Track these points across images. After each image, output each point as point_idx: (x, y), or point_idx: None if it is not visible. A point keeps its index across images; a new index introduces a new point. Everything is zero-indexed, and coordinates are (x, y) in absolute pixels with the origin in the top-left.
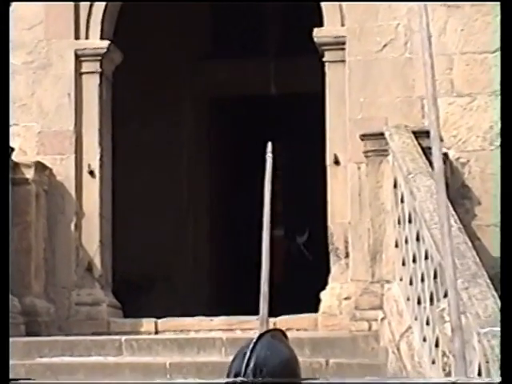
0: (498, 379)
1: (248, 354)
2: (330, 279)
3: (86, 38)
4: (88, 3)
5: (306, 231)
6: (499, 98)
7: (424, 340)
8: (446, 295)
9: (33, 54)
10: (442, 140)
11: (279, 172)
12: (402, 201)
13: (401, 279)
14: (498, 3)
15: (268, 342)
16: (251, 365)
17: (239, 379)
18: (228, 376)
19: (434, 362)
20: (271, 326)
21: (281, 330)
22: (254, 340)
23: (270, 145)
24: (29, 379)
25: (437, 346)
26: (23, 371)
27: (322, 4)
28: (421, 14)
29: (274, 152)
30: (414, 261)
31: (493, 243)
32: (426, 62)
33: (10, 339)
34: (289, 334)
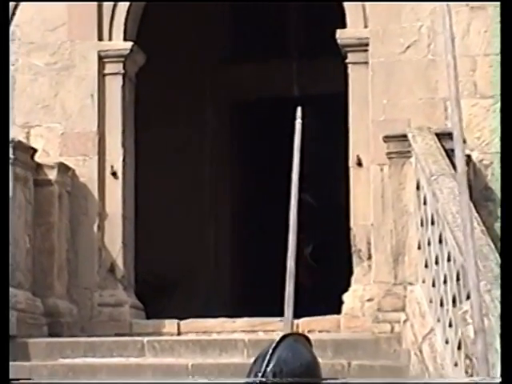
0: (498, 379)
1: (269, 354)
2: (352, 281)
3: (109, 39)
4: (111, 4)
5: (310, 244)
6: None
7: (446, 342)
8: (468, 297)
9: (56, 55)
10: (464, 142)
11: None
12: (425, 203)
13: (423, 281)
14: None
15: (290, 345)
16: (271, 365)
17: (258, 379)
18: (248, 376)
19: (456, 365)
20: (294, 328)
21: (305, 336)
22: (276, 341)
23: (299, 110)
24: (29, 379)
25: (459, 348)
26: (45, 372)
27: (345, 5)
28: (444, 14)
29: (303, 117)
30: (437, 263)
31: None
32: (449, 63)
33: (33, 340)
34: (311, 335)
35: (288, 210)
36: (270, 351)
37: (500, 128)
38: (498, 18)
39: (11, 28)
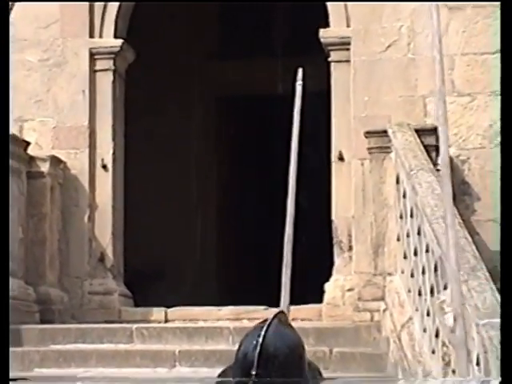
0: (498, 379)
1: (259, 343)
2: (333, 271)
3: (100, 36)
4: (102, 3)
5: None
6: (499, 97)
7: (424, 331)
8: (445, 288)
9: (48, 51)
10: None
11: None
12: (404, 196)
13: (402, 272)
14: (499, 5)
15: (276, 330)
16: (263, 355)
17: (252, 379)
18: (237, 361)
19: (433, 352)
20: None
21: (283, 312)
22: (265, 327)
23: (300, 71)
24: (28, 379)
25: (437, 336)
26: (37, 358)
27: (328, 5)
28: (431, 13)
29: (304, 79)
30: (416, 254)
31: (491, 238)
32: (435, 59)
33: (26, 326)
34: (294, 323)
35: (273, 199)
36: (261, 340)
37: (500, 128)
38: (476, 19)
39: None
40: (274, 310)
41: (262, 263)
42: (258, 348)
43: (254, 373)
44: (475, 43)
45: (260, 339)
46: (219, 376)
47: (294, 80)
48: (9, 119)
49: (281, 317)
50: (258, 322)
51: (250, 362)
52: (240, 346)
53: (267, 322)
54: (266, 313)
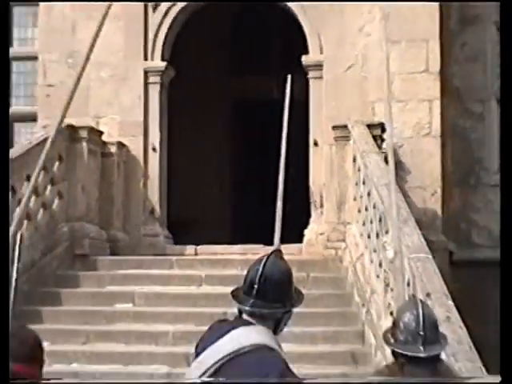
0: (498, 379)
1: (260, 268)
2: (310, 221)
3: (152, 59)
4: (152, 37)
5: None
6: (425, 103)
7: (371, 262)
8: (387, 232)
9: (116, 69)
10: (384, 130)
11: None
12: (359, 170)
13: (357, 222)
14: (426, 39)
15: (273, 261)
16: (263, 276)
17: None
18: (245, 282)
19: (378, 277)
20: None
21: (279, 250)
22: (265, 258)
23: (289, 78)
24: (28, 379)
25: (380, 266)
26: (108, 279)
27: (308, 37)
28: (382, 47)
29: (292, 84)
30: (366, 209)
31: (418, 199)
32: (384, 77)
33: (100, 257)
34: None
35: (268, 173)
36: (261, 266)
37: (500, 130)
38: (409, 49)
39: (72, 48)
40: (271, 248)
41: (262, 215)
42: (260, 270)
43: (256, 286)
44: (407, 66)
45: (261, 266)
46: (232, 292)
47: (286, 83)
48: (8, 120)
49: (277, 253)
50: (261, 255)
51: (254, 280)
52: (248, 271)
53: (266, 256)
54: (264, 249)
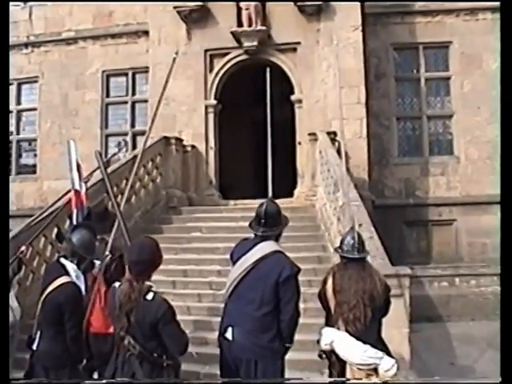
0: (498, 379)
1: (263, 209)
2: (297, 185)
3: (209, 99)
4: (209, 86)
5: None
6: (357, 120)
7: (330, 207)
8: (338, 191)
9: (190, 106)
10: (336, 134)
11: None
12: (322, 158)
13: (323, 185)
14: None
15: (269, 203)
16: (265, 214)
17: (262, 223)
18: (256, 217)
19: (334, 215)
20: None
21: (271, 198)
22: (265, 203)
23: (268, 70)
24: (27, 379)
25: (335, 209)
26: (187, 219)
27: (293, 82)
28: (338, 90)
29: (270, 77)
30: (327, 178)
31: (355, 173)
32: (340, 106)
33: (183, 208)
34: (281, 205)
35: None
36: (264, 207)
37: (500, 132)
38: (350, 90)
39: (168, 96)
40: (270, 198)
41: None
42: (263, 210)
43: (262, 220)
44: (348, 100)
45: (263, 208)
46: (249, 225)
47: (281, 113)
48: (8, 121)
49: (270, 199)
50: (262, 201)
51: (261, 215)
52: (256, 211)
53: (265, 201)
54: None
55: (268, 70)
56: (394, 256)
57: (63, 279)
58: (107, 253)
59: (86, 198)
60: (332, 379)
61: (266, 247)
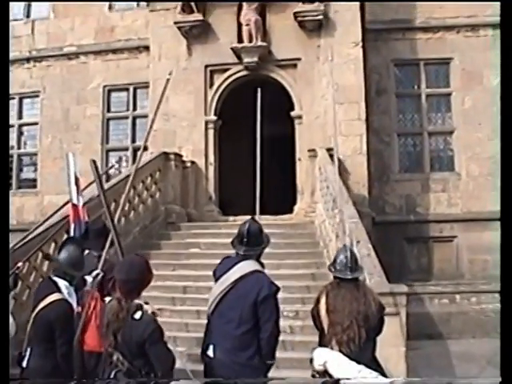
0: (498, 379)
1: (246, 228)
2: (297, 202)
3: (209, 115)
4: (209, 102)
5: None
6: (359, 137)
7: (329, 224)
8: (337, 208)
9: (190, 121)
10: (337, 151)
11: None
12: (321, 174)
13: (322, 202)
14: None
15: (251, 223)
16: (248, 233)
17: (244, 243)
18: (238, 235)
19: (332, 232)
20: (271, 219)
21: (253, 217)
22: (247, 222)
23: (259, 90)
24: (28, 379)
25: (333, 226)
26: (186, 235)
27: (293, 98)
28: (334, 107)
29: (262, 97)
30: (326, 195)
31: (356, 191)
32: (334, 122)
33: (181, 223)
34: (281, 221)
35: (269, 178)
36: (246, 226)
37: (500, 133)
38: (349, 107)
39: (168, 111)
40: (266, 217)
41: (267, 199)
42: (246, 229)
43: (245, 239)
44: (348, 116)
45: (246, 227)
46: (231, 243)
47: (281, 130)
48: (8, 122)
49: (253, 219)
50: (245, 220)
51: (243, 235)
52: (239, 229)
53: (247, 221)
54: (264, 217)
55: (259, 90)
56: (394, 273)
57: (54, 296)
58: (99, 270)
59: (85, 212)
60: (323, 379)
61: (245, 266)
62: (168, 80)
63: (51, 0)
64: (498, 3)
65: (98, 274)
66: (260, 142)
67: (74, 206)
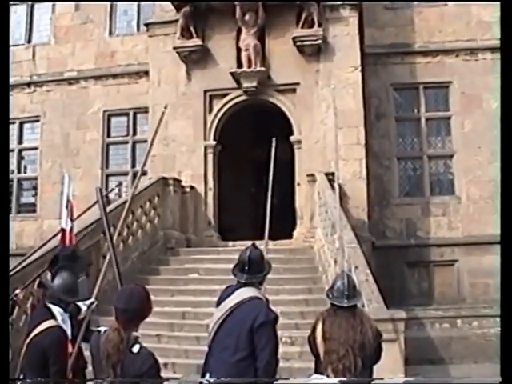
0: (498, 379)
1: (247, 255)
2: (296, 227)
3: (208, 140)
4: (208, 127)
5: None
6: (358, 161)
7: (328, 249)
8: (335, 233)
9: (189, 146)
10: (333, 174)
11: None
12: (320, 198)
13: (321, 227)
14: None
15: (252, 250)
16: (249, 260)
17: (245, 271)
18: (238, 263)
19: (331, 257)
20: (270, 244)
21: (254, 244)
22: (248, 250)
23: (274, 140)
24: (28, 379)
25: (332, 251)
26: (185, 260)
27: (293, 124)
28: (335, 132)
29: (276, 146)
30: (325, 220)
31: (355, 216)
32: (335, 145)
33: (181, 249)
34: (280, 246)
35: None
36: (247, 253)
37: (500, 134)
38: (349, 131)
39: (168, 136)
40: (270, 242)
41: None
42: (247, 257)
43: (246, 267)
44: (347, 140)
45: (247, 254)
46: (232, 271)
47: (282, 153)
48: (8, 146)
49: (253, 245)
50: (246, 246)
51: (244, 262)
52: (240, 257)
53: (248, 248)
54: (259, 243)
55: (274, 140)
56: (395, 297)
57: (48, 323)
58: (93, 299)
59: (73, 236)
60: (324, 381)
61: (244, 293)
62: (163, 113)
63: (52, 0)
64: (497, 28)
65: (92, 303)
66: (258, 167)
67: (63, 230)
